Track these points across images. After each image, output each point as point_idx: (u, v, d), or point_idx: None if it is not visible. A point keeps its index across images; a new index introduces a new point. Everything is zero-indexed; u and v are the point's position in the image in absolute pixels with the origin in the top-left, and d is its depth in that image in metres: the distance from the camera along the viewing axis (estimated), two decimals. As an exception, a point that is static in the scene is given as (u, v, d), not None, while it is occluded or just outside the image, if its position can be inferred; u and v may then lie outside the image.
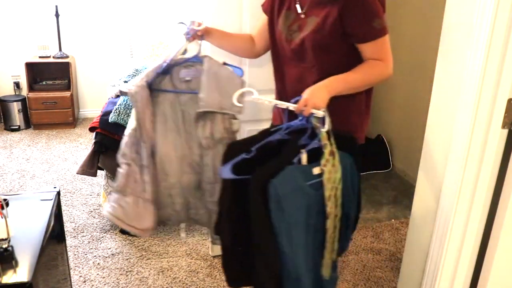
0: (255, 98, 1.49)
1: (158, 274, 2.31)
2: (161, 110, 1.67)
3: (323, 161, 1.36)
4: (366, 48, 1.51)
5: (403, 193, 3.22)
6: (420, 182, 1.70)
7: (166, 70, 1.68)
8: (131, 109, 2.78)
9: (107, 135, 2.57)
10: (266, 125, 2.24)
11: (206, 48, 1.84)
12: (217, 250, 2.41)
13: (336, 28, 1.48)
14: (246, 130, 2.22)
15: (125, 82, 3.14)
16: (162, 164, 1.67)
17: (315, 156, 1.38)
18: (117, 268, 2.33)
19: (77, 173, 2.85)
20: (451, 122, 1.50)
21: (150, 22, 4.31)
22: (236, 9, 2.10)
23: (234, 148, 1.46)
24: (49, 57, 4.19)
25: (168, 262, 2.40)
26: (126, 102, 2.77)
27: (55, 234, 1.58)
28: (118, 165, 1.67)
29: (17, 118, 4.16)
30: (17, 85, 4.31)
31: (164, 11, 4.29)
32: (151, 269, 2.35)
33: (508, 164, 1.45)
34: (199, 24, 1.68)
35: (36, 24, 4.23)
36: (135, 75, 3.29)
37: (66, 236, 2.15)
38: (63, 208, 2.83)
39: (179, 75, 1.70)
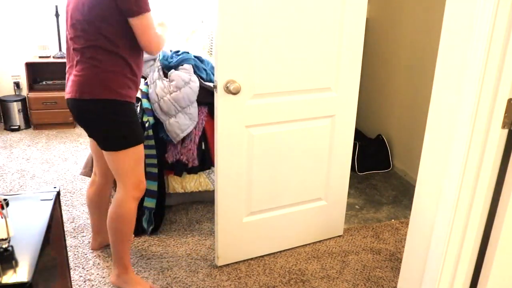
0: None
1: (158, 274, 2.31)
2: None
3: None
4: None
5: (403, 193, 3.22)
6: (420, 182, 1.69)
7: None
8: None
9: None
10: (270, 127, 2.22)
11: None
12: (223, 260, 2.39)
13: None
14: (253, 135, 2.20)
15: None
16: None
17: None
18: (117, 268, 2.33)
19: (81, 175, 2.85)
20: (451, 122, 1.50)
21: (150, 22, 4.30)
22: (243, 8, 1.96)
23: None
24: (49, 57, 4.20)
25: (168, 262, 2.40)
26: None
27: (55, 234, 1.58)
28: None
29: (17, 118, 4.17)
30: (17, 85, 4.31)
31: (164, 11, 4.29)
32: (151, 269, 2.35)
33: (508, 164, 1.45)
34: None
35: (36, 24, 4.23)
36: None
37: (66, 236, 2.15)
38: (63, 208, 2.82)
39: None
